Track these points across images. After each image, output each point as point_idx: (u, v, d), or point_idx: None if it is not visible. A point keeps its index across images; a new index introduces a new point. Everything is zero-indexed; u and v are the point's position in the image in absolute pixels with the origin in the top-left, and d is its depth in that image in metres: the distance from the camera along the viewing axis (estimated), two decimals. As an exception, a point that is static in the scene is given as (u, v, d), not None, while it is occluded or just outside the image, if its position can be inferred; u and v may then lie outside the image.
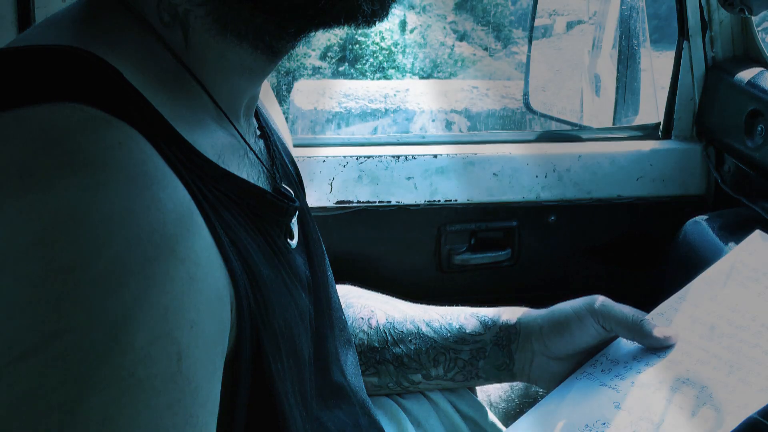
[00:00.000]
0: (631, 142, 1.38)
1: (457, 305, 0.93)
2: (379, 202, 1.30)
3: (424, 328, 0.90)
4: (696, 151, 1.36)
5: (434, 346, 0.89)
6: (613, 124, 1.81)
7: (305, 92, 5.40)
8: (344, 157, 1.28)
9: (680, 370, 0.80)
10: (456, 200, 1.31)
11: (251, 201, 0.59)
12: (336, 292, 0.79)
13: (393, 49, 6.73)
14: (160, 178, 0.48)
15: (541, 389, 0.93)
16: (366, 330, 0.91)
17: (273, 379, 0.56)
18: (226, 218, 0.54)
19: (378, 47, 6.66)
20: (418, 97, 5.43)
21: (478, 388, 0.99)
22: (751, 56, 1.30)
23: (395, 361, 0.90)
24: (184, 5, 0.56)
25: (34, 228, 0.43)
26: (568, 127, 1.82)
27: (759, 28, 1.32)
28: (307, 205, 0.78)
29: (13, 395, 0.41)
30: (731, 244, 1.10)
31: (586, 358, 0.86)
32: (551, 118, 1.94)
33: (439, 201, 1.31)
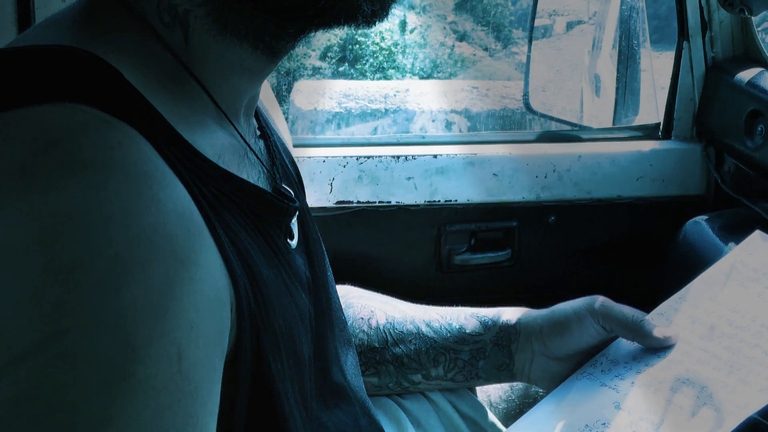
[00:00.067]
0: (631, 143, 1.38)
1: (457, 305, 0.93)
2: (379, 202, 1.30)
3: (424, 329, 0.90)
4: (696, 152, 1.36)
5: (434, 346, 0.89)
6: (613, 124, 1.81)
7: (305, 92, 5.40)
8: (344, 157, 1.28)
9: (680, 370, 0.80)
10: (456, 200, 1.31)
11: (251, 201, 0.59)
12: (336, 292, 0.79)
13: (393, 49, 6.73)
14: (160, 179, 0.48)
15: (541, 389, 0.93)
16: (366, 330, 0.91)
17: (273, 379, 0.56)
18: (226, 218, 0.54)
19: (378, 47, 6.66)
20: (418, 97, 5.43)
21: (478, 389, 0.99)
22: (751, 56, 1.30)
23: (395, 361, 0.90)
24: (184, 5, 0.56)
25: (35, 228, 0.43)
26: (568, 128, 1.82)
27: (759, 29, 1.32)
28: (307, 205, 0.78)
29: (13, 395, 0.41)
30: (731, 244, 1.10)
31: (586, 359, 0.86)
32: (551, 118, 1.94)
33: (439, 201, 1.31)
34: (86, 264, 0.43)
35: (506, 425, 0.94)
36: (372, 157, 1.28)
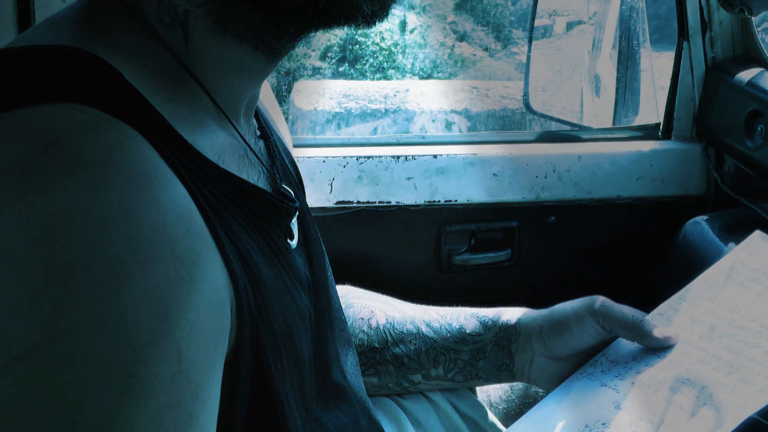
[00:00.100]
0: (631, 143, 1.38)
1: (457, 305, 0.93)
2: (379, 202, 1.30)
3: (424, 329, 0.90)
4: (696, 152, 1.36)
5: (434, 346, 0.89)
6: (613, 124, 1.81)
7: (305, 92, 5.40)
8: (344, 157, 1.28)
9: (680, 370, 0.80)
10: (456, 200, 1.31)
11: (251, 201, 0.59)
12: (336, 292, 0.79)
13: (393, 49, 6.74)
14: (159, 179, 0.48)
15: (541, 389, 0.93)
16: (366, 330, 0.91)
17: (273, 379, 0.56)
18: (226, 219, 0.54)
19: (378, 47, 6.67)
20: (418, 97, 5.43)
21: (478, 389, 0.99)
22: (751, 56, 1.30)
23: (395, 361, 0.90)
24: (184, 6, 0.56)
25: (35, 228, 0.43)
26: (568, 128, 1.82)
27: (759, 29, 1.32)
28: (307, 205, 0.78)
29: (13, 395, 0.41)
30: (731, 244, 1.10)
31: (586, 359, 0.86)
32: (551, 118, 1.94)
33: (439, 201, 1.31)
34: (86, 264, 0.43)
35: (506, 425, 0.94)
36: (372, 157, 1.28)
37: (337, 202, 1.29)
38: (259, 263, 0.57)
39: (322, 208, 1.27)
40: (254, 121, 0.69)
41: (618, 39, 1.84)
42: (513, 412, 1.00)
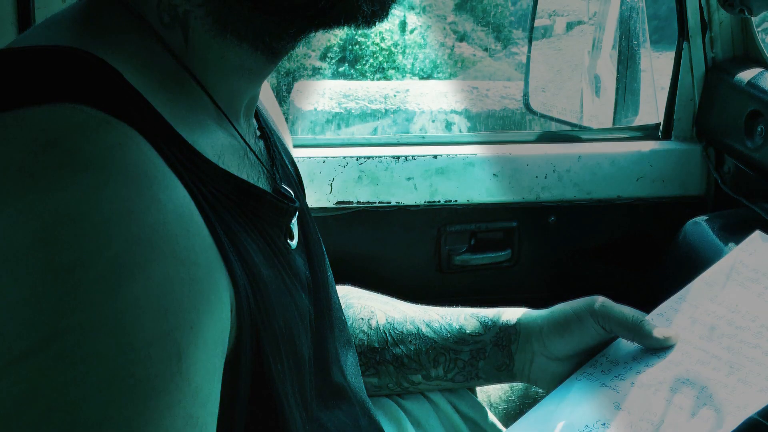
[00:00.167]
0: (631, 143, 1.38)
1: (457, 306, 0.93)
2: (379, 202, 1.30)
3: (424, 329, 0.90)
4: (696, 152, 1.36)
5: (434, 346, 0.89)
6: (613, 124, 1.81)
7: (305, 93, 5.40)
8: (344, 157, 1.28)
9: (680, 370, 0.80)
10: (456, 201, 1.31)
11: (251, 202, 0.59)
12: (336, 292, 0.79)
13: (393, 49, 6.74)
14: (160, 179, 0.48)
15: (541, 390, 0.93)
16: (366, 330, 0.91)
17: (273, 379, 0.56)
18: (226, 219, 0.54)
19: (378, 48, 6.67)
20: (418, 97, 5.43)
21: (478, 389, 0.99)
22: (751, 57, 1.30)
23: (395, 361, 0.90)
24: (184, 6, 0.56)
25: (34, 228, 0.43)
26: (568, 128, 1.82)
27: (759, 29, 1.32)
28: (307, 205, 0.78)
29: (13, 395, 0.41)
30: (731, 244, 1.10)
31: (586, 359, 0.86)
32: (551, 118, 1.94)
33: (439, 201, 1.31)
34: (86, 264, 0.43)
35: (506, 425, 0.94)
36: (372, 157, 1.28)
37: (337, 203, 1.29)
38: (259, 263, 0.57)
39: (322, 208, 1.28)
40: (254, 121, 0.69)
41: (618, 39, 1.84)
42: (513, 413, 1.00)
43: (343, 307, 0.81)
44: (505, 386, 1.03)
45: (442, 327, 0.90)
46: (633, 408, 0.78)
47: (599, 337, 0.85)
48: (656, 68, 1.80)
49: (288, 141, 0.82)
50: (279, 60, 0.61)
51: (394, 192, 1.29)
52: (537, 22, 1.94)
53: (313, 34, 0.58)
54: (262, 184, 0.63)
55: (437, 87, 5.86)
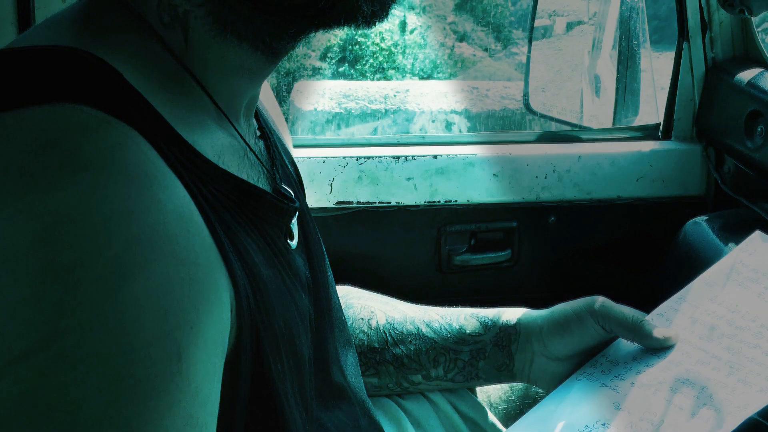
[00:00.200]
0: (631, 143, 1.38)
1: (457, 306, 0.93)
2: (379, 202, 1.30)
3: (424, 329, 0.90)
4: (696, 152, 1.36)
5: (434, 346, 0.89)
6: (613, 124, 1.81)
7: (305, 93, 5.40)
8: (344, 157, 1.28)
9: (680, 370, 0.80)
10: (456, 201, 1.31)
11: (251, 202, 0.59)
12: (336, 292, 0.79)
13: (393, 49, 6.74)
14: (159, 179, 0.48)
15: (540, 390, 0.93)
16: (366, 330, 0.91)
17: (273, 379, 0.56)
18: (225, 219, 0.54)
19: (378, 48, 6.67)
20: (418, 97, 5.43)
21: (478, 389, 0.99)
22: (751, 57, 1.30)
23: (395, 361, 0.90)
24: (184, 6, 0.56)
25: (34, 228, 0.43)
26: (567, 128, 1.82)
27: (759, 29, 1.32)
28: (307, 205, 0.78)
29: (13, 395, 0.41)
30: (731, 244, 1.10)
31: (586, 359, 0.86)
32: (551, 118, 1.94)
33: (439, 201, 1.31)
34: (86, 264, 0.43)
35: (506, 426, 0.94)
36: (372, 157, 1.28)
37: (337, 203, 1.29)
38: (259, 263, 0.57)
39: (322, 208, 1.28)
40: (254, 121, 0.69)
41: (618, 39, 1.84)
42: (513, 413, 1.00)
43: (343, 307, 0.81)
44: (505, 386, 1.03)
45: (442, 327, 0.90)
46: (633, 408, 0.78)
47: (599, 337, 0.85)
48: (656, 68, 1.80)
49: (288, 141, 0.82)
50: (279, 60, 0.61)
51: (394, 192, 1.29)
52: (537, 22, 1.94)
53: (313, 34, 0.58)
54: (262, 184, 0.63)
55: (437, 87, 5.86)
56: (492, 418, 0.95)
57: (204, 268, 0.48)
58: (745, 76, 1.25)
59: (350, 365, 0.76)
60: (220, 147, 0.58)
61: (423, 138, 1.36)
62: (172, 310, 0.45)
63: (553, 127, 1.89)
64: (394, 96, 5.41)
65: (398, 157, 1.29)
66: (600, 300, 0.85)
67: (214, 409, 0.49)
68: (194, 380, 0.46)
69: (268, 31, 0.57)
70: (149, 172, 0.47)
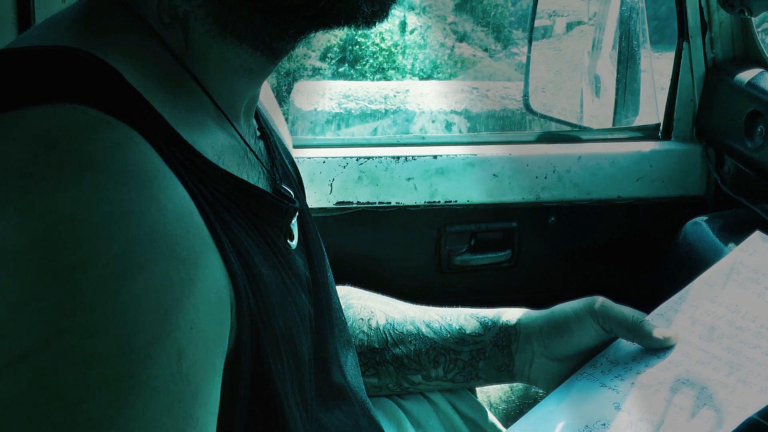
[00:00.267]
0: (631, 143, 1.38)
1: (457, 306, 0.93)
2: (379, 203, 1.30)
3: (424, 329, 0.90)
4: (696, 152, 1.36)
5: (434, 347, 0.89)
6: (613, 124, 1.81)
7: (305, 93, 5.40)
8: (344, 158, 1.28)
9: (680, 370, 0.81)
10: (456, 201, 1.31)
11: (251, 202, 0.59)
12: (336, 292, 0.79)
13: (393, 50, 6.74)
14: (159, 179, 0.48)
15: (540, 390, 0.93)
16: (366, 331, 0.91)
17: (273, 379, 0.56)
18: (225, 219, 0.54)
19: (378, 48, 6.67)
20: (418, 98, 5.43)
21: (478, 389, 0.99)
22: (751, 57, 1.30)
23: (395, 362, 0.90)
24: (184, 6, 0.56)
25: (35, 228, 0.43)
26: (568, 128, 1.82)
27: (759, 29, 1.32)
28: (307, 205, 0.78)
29: (13, 395, 0.41)
30: (731, 245, 1.10)
31: (585, 359, 0.86)
32: (551, 119, 1.94)
33: (439, 202, 1.31)
34: (86, 264, 0.43)
35: (506, 426, 0.94)
36: (372, 157, 1.28)
37: (337, 203, 1.29)
38: (258, 264, 0.57)
39: (322, 208, 1.28)
40: (254, 121, 0.69)
41: (618, 40, 1.84)
42: (513, 413, 1.00)
43: (343, 307, 0.81)
44: (505, 387, 1.03)
45: (442, 327, 0.90)
46: (633, 408, 0.78)
47: (599, 337, 0.85)
48: (656, 68, 1.80)
49: (288, 141, 0.82)
50: (279, 60, 0.61)
51: (394, 192, 1.29)
52: (537, 23, 1.94)
53: (313, 35, 0.58)
54: (262, 184, 0.63)
55: (437, 87, 5.86)
56: (492, 418, 0.95)
57: (204, 268, 0.48)
58: (745, 76, 1.25)
59: (350, 365, 0.76)
60: (220, 147, 0.58)
61: (423, 138, 1.36)
62: (172, 310, 0.45)
63: (553, 127, 1.89)
64: (394, 96, 5.41)
65: (398, 158, 1.29)
66: (600, 300, 0.85)
67: (214, 409, 0.49)
68: (194, 380, 0.46)
69: (268, 31, 0.57)
70: (149, 173, 0.47)
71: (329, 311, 0.74)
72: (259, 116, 0.71)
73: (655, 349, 0.83)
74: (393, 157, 1.29)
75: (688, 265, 1.15)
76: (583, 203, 1.35)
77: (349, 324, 0.90)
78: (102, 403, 0.42)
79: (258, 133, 0.68)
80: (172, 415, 0.44)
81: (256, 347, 0.55)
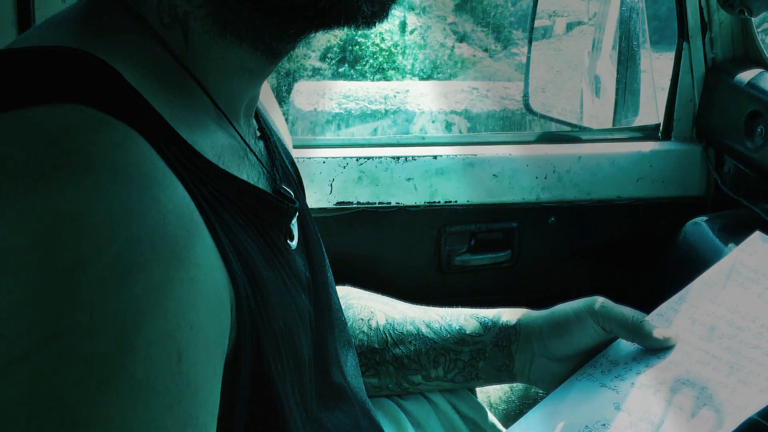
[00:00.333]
0: (630, 143, 1.38)
1: (457, 306, 0.93)
2: (379, 203, 1.30)
3: (424, 329, 0.90)
4: (696, 152, 1.36)
5: (434, 347, 0.90)
6: (613, 125, 1.82)
7: (305, 93, 5.40)
8: (344, 158, 1.28)
9: (680, 371, 0.81)
10: (456, 201, 1.31)
11: (251, 202, 0.59)
12: (336, 293, 0.79)
13: (393, 50, 6.74)
14: (160, 179, 0.48)
15: (540, 390, 0.93)
16: (366, 331, 0.91)
17: (273, 380, 0.56)
18: (225, 219, 0.54)
19: (378, 48, 6.67)
20: (418, 98, 5.43)
21: (478, 389, 0.99)
22: (750, 57, 1.31)
23: (395, 362, 0.90)
24: (184, 6, 0.56)
25: (35, 228, 0.43)
26: (567, 128, 1.82)
27: (759, 29, 1.32)
28: (307, 206, 0.78)
29: (13, 395, 0.41)
30: (731, 245, 1.10)
31: (585, 360, 0.86)
32: (551, 119, 1.94)
33: (439, 202, 1.31)
34: (86, 264, 0.43)
35: (506, 426, 0.94)
36: (372, 158, 1.28)
37: (337, 203, 1.29)
38: (258, 264, 0.57)
39: (322, 208, 1.28)
40: (254, 121, 0.69)
41: (618, 40, 1.84)
42: (513, 413, 1.00)
43: (343, 307, 0.81)
44: (505, 387, 1.03)
45: (442, 327, 0.90)
46: (633, 408, 0.78)
47: (599, 337, 0.85)
48: (656, 69, 1.80)
49: (288, 141, 0.82)
50: (279, 60, 0.61)
51: (394, 192, 1.29)
52: (537, 23, 1.94)
53: (313, 35, 0.58)
54: (262, 184, 0.63)
55: (437, 87, 5.86)
56: (492, 418, 0.95)
57: (204, 268, 0.48)
58: (745, 76, 1.25)
59: (350, 366, 0.76)
60: (220, 147, 0.58)
61: (423, 138, 1.36)
62: (172, 310, 0.45)
63: (553, 127, 1.89)
64: (394, 96, 5.41)
65: (398, 158, 1.29)
66: (600, 300, 0.85)
67: (214, 409, 0.49)
68: (194, 380, 0.46)
69: (268, 31, 0.57)
70: (149, 173, 0.47)
71: (329, 311, 0.74)
72: (259, 116, 0.71)
73: (655, 349, 0.83)
74: (393, 158, 1.29)
75: (688, 265, 1.15)
76: (583, 203, 1.35)
77: (349, 324, 0.90)
78: (102, 404, 0.42)
79: (258, 134, 0.68)
80: (172, 416, 0.44)
81: (256, 347, 0.55)
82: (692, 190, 1.37)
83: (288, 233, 0.66)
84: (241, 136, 0.62)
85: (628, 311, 0.84)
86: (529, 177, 1.32)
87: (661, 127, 1.39)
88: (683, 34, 1.33)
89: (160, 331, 0.44)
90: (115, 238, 0.44)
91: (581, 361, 0.86)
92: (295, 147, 0.97)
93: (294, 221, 0.67)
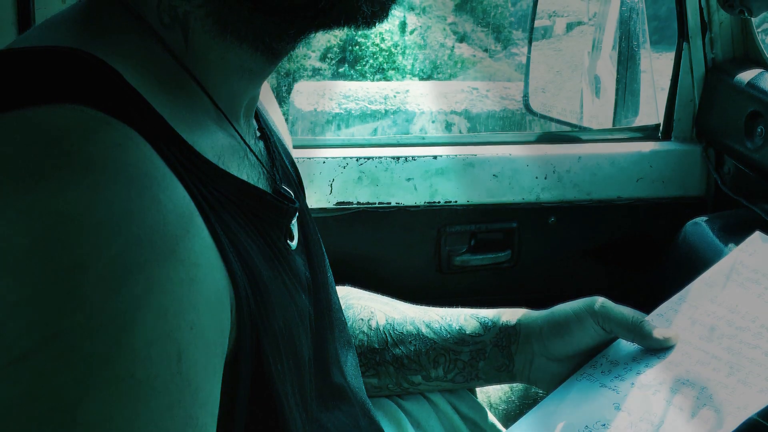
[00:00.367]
0: (630, 144, 1.38)
1: (457, 306, 0.93)
2: (379, 203, 1.30)
3: (424, 330, 0.90)
4: (696, 153, 1.36)
5: (434, 347, 0.90)
6: (613, 125, 1.82)
7: (305, 93, 5.40)
8: (344, 158, 1.28)
9: (680, 371, 0.81)
10: (456, 201, 1.31)
11: (251, 202, 0.59)
12: (336, 293, 0.79)
13: (393, 50, 6.74)
14: (159, 179, 0.48)
15: (540, 390, 0.93)
16: (366, 331, 0.91)
17: (273, 380, 0.56)
18: (225, 219, 0.54)
19: (378, 48, 6.67)
20: (418, 98, 5.43)
21: (478, 390, 0.99)
22: (751, 57, 1.31)
23: (395, 362, 0.90)
24: (184, 6, 0.56)
25: (35, 229, 0.43)
26: (567, 129, 1.83)
27: (759, 30, 1.32)
28: (307, 206, 0.78)
29: (13, 395, 0.41)
30: (731, 245, 1.10)
31: (585, 360, 0.86)
32: (551, 119, 1.95)
33: (438, 202, 1.31)
34: (86, 265, 0.43)
35: (506, 426, 0.94)
36: (372, 158, 1.28)
37: (337, 203, 1.29)
38: (258, 264, 0.57)
39: (322, 209, 1.28)
40: (254, 122, 0.69)
41: (618, 40, 1.84)
42: (513, 413, 1.00)
43: (342, 307, 0.81)
44: (505, 387, 1.03)
45: (442, 328, 0.90)
46: (633, 409, 0.78)
47: (599, 337, 0.85)
48: (656, 69, 1.80)
49: (288, 141, 0.82)
50: (279, 61, 0.61)
51: (394, 193, 1.29)
52: (537, 23, 1.94)
53: (313, 35, 0.58)
54: (262, 184, 0.63)
55: (437, 88, 5.86)
56: (492, 418, 0.95)
57: (204, 268, 0.48)
58: (745, 76, 1.25)
59: (350, 366, 0.76)
60: (220, 147, 0.58)
61: (423, 138, 1.36)
62: (172, 310, 0.45)
63: (553, 127, 1.89)
64: (394, 97, 5.41)
65: (398, 158, 1.29)
66: (600, 300, 0.85)
67: (214, 409, 0.49)
68: (194, 381, 0.46)
69: (268, 31, 0.57)
70: (149, 173, 0.47)
71: (329, 311, 0.74)
72: (259, 116, 0.71)
73: (655, 349, 0.83)
74: (393, 158, 1.29)
75: (688, 265, 1.15)
76: (583, 203, 1.35)
77: (349, 324, 0.90)
78: (102, 404, 0.42)
79: (258, 134, 0.68)
80: (172, 416, 0.44)
81: (256, 348, 0.55)
82: (692, 190, 1.37)
83: (288, 233, 0.66)
84: (241, 137, 0.62)
85: (628, 311, 0.84)
86: (529, 177, 1.32)
87: (661, 128, 1.39)
88: (683, 34, 1.33)
89: (160, 331, 0.44)
90: (115, 238, 0.44)
91: (581, 361, 0.86)
92: (295, 147, 0.97)
93: (294, 221, 0.67)
